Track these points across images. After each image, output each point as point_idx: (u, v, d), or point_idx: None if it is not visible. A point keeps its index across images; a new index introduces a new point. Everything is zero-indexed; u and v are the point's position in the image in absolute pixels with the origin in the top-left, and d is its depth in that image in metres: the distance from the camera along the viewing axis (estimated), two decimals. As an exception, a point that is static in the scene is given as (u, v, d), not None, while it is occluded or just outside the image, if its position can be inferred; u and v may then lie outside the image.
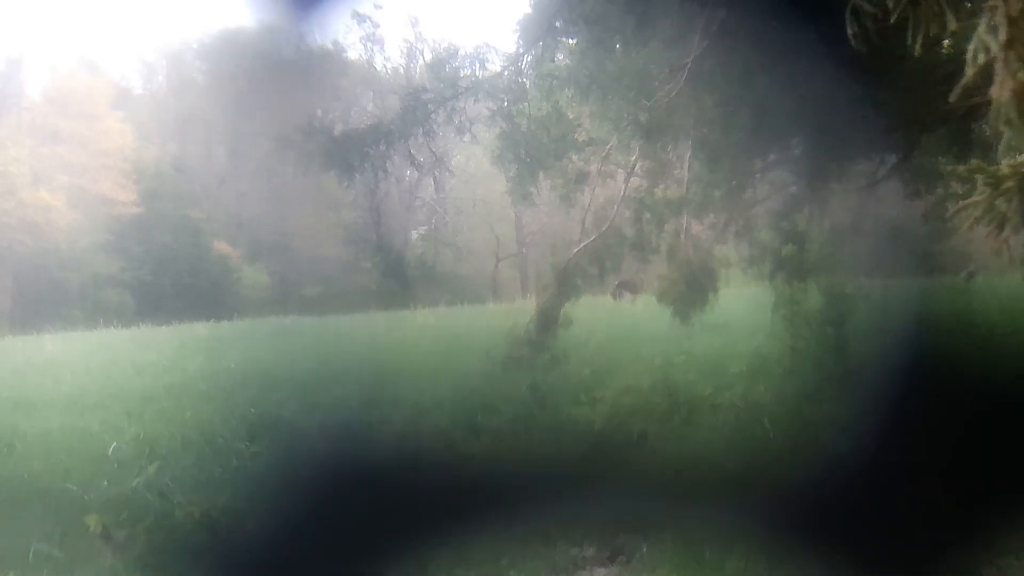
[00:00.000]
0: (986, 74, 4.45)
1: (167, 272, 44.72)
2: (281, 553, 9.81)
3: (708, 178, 13.60)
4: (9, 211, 41.48)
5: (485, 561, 9.65)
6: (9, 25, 58.10)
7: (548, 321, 14.12)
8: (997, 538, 8.63)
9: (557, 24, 13.41)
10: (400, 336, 27.26)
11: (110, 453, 13.34)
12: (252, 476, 11.69)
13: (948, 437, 10.76)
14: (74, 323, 36.40)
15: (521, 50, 14.01)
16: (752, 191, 14.56)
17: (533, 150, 14.27)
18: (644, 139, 13.50)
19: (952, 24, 4.96)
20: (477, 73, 14.56)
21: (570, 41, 13.79)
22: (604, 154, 14.49)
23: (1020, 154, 4.48)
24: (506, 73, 14.22)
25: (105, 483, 11.81)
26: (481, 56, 15.09)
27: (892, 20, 5.13)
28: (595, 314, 22.34)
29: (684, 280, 13.67)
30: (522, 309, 21.44)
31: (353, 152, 13.33)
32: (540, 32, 13.56)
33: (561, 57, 13.84)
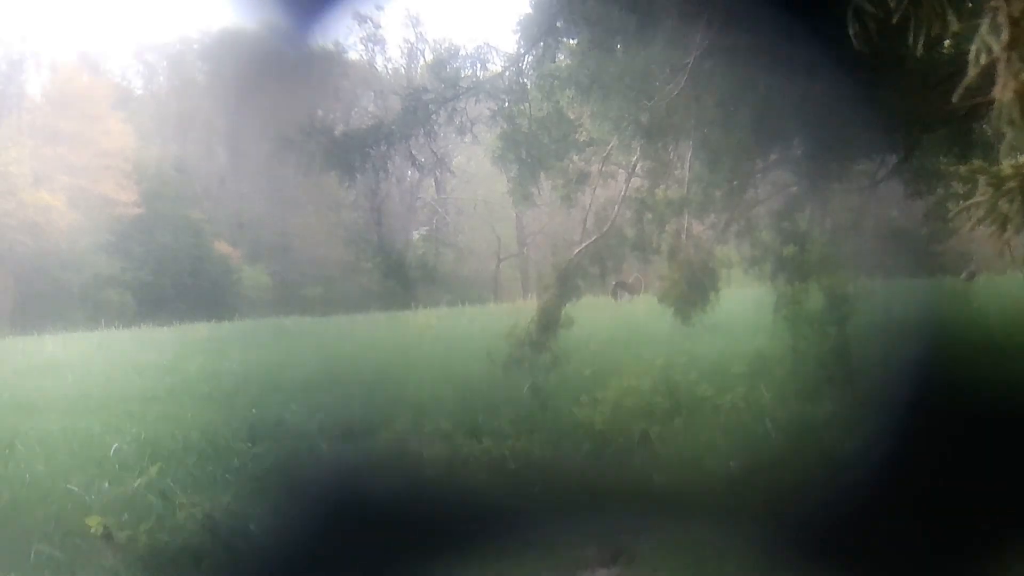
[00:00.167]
0: (987, 74, 4.44)
1: (168, 273, 44.72)
2: (283, 554, 9.81)
3: (709, 178, 13.60)
4: (10, 212, 41.47)
5: (487, 561, 9.65)
6: (10, 26, 58.07)
7: (549, 322, 14.11)
8: (1001, 541, 8.63)
9: (558, 24, 13.41)
10: (401, 337, 27.25)
11: (111, 454, 13.34)
12: (253, 477, 11.69)
13: (950, 437, 10.76)
14: (75, 324, 36.37)
15: (522, 50, 14.01)
16: (753, 191, 14.56)
17: (534, 150, 14.26)
18: (645, 139, 13.50)
19: (954, 24, 4.95)
20: (478, 73, 14.57)
21: (571, 41, 13.79)
22: (605, 154, 14.48)
23: (1022, 154, 4.48)
24: (507, 73, 14.22)
25: (106, 484, 11.81)
26: (482, 56, 15.11)
27: (894, 20, 5.13)
28: (596, 315, 22.34)
29: (685, 280, 13.65)
30: (523, 309, 21.42)
31: (354, 152, 13.33)
32: (541, 32, 13.56)
33: (562, 57, 13.84)
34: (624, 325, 23.14)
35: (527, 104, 14.23)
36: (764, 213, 14.75)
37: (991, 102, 4.41)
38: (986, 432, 11.34)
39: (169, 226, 45.54)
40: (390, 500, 11.39)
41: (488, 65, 14.93)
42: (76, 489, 11.55)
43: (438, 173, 41.83)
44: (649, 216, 14.33)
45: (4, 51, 51.89)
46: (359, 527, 10.61)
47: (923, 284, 20.63)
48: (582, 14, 12.80)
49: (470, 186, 48.81)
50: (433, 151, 15.18)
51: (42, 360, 25.22)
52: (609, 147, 14.24)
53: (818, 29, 8.48)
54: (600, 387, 14.12)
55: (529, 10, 14.17)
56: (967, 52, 4.49)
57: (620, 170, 14.93)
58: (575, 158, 14.83)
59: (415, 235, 50.70)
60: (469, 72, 14.38)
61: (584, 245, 14.32)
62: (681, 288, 13.60)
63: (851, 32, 5.58)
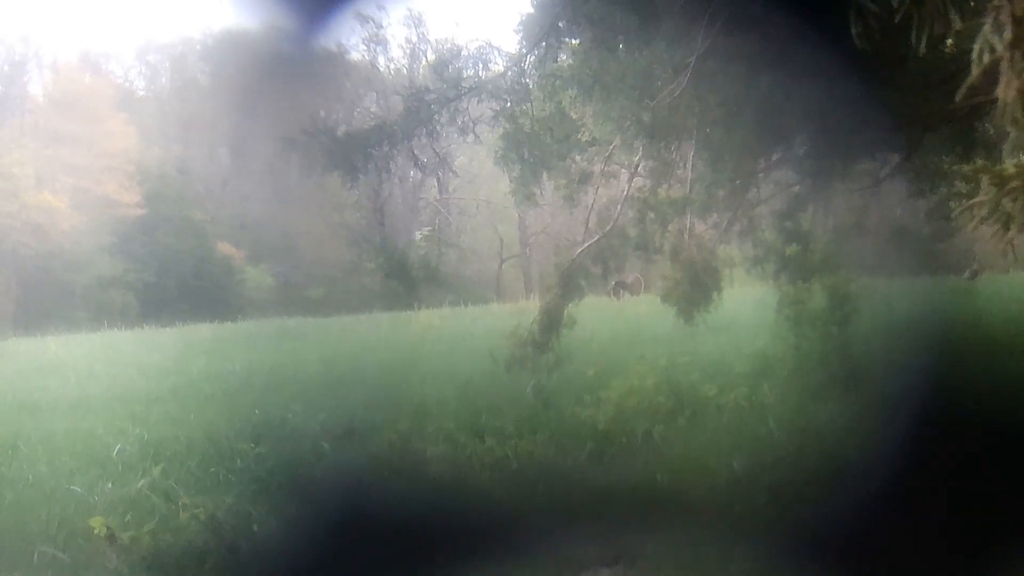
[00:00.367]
0: (990, 73, 4.44)
1: (171, 274, 44.75)
2: (286, 554, 9.81)
3: (712, 178, 13.59)
4: (13, 213, 41.50)
5: (489, 561, 9.64)
6: (12, 27, 58.12)
7: (552, 322, 14.11)
8: (1005, 541, 8.62)
9: (560, 24, 13.40)
10: (404, 337, 27.27)
11: (115, 455, 13.34)
12: (256, 477, 11.68)
13: (953, 437, 10.75)
14: (78, 325, 36.42)
15: (524, 50, 14.00)
16: (756, 191, 14.56)
17: (536, 150, 14.25)
18: (647, 139, 13.49)
19: (956, 24, 4.95)
20: (480, 74, 14.55)
21: (573, 41, 13.78)
22: (607, 154, 14.49)
23: (1025, 154, 4.48)
24: (509, 73, 14.21)
25: (110, 485, 11.80)
26: (484, 56, 15.08)
27: (896, 20, 5.13)
28: (599, 314, 22.34)
29: (688, 280, 13.66)
30: (526, 310, 21.41)
31: (356, 153, 13.32)
32: (543, 32, 13.55)
33: (564, 57, 13.82)
34: (627, 325, 23.14)
35: (529, 104, 14.22)
36: (767, 212, 14.76)
37: (993, 101, 4.41)
38: (989, 431, 11.33)
39: (172, 227, 45.58)
40: (393, 500, 11.39)
41: (490, 65, 14.92)
42: (79, 490, 11.55)
43: (440, 173, 41.87)
44: (652, 216, 14.33)
45: (6, 52, 51.97)
46: (362, 527, 10.61)
47: (926, 283, 20.62)
48: (584, 14, 12.79)
49: (472, 186, 48.83)
50: (435, 151, 15.18)
51: (45, 361, 25.24)
52: (611, 147, 14.24)
53: (820, 28, 8.47)
54: (603, 387, 14.12)
55: (531, 10, 14.18)
56: (970, 51, 4.49)
57: (623, 170, 14.94)
58: (577, 158, 14.83)
59: (417, 235, 50.71)
60: (471, 72, 14.36)
61: (587, 245, 14.32)
62: (684, 288, 13.61)
63: (854, 32, 5.58)
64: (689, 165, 13.51)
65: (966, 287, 23.84)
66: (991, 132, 12.67)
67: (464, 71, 14.16)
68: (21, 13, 69.14)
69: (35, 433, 15.20)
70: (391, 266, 15.06)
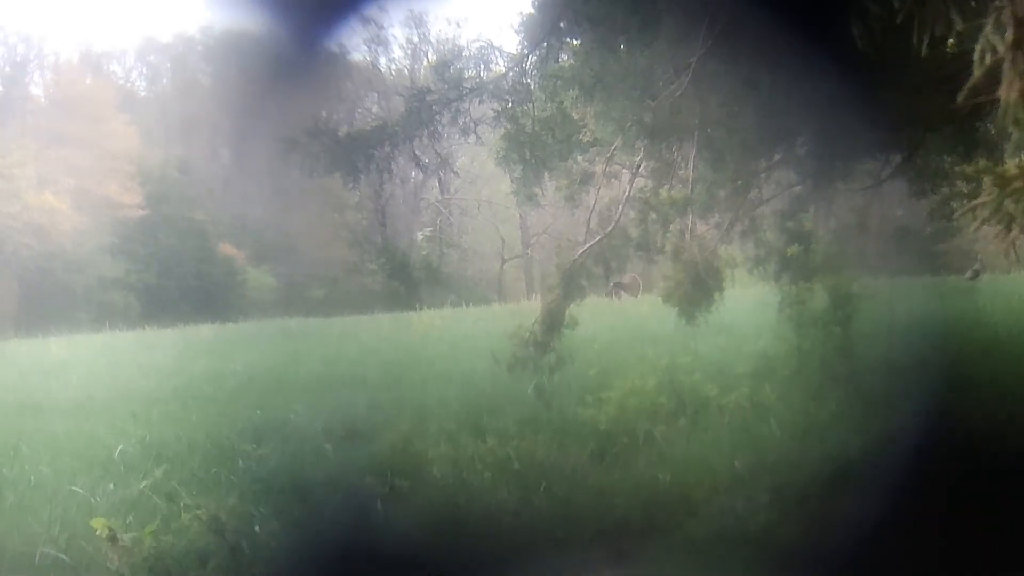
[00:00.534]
0: (991, 73, 4.44)
1: (172, 274, 44.79)
2: (288, 555, 9.82)
3: (713, 178, 13.57)
4: (14, 214, 41.53)
5: (491, 561, 9.65)
6: (14, 28, 58.18)
7: (553, 322, 14.09)
8: (1007, 541, 8.62)
9: (561, 25, 13.39)
10: (405, 338, 27.26)
11: (116, 456, 13.34)
12: (258, 478, 11.69)
13: (955, 436, 10.76)
14: (80, 326, 36.42)
15: (525, 51, 13.99)
16: (757, 191, 14.54)
17: (538, 151, 14.23)
18: (649, 139, 13.47)
19: (958, 24, 4.95)
20: (481, 74, 14.52)
21: (574, 42, 13.77)
22: (609, 154, 14.45)
23: (1028, 154, 4.49)
24: (510, 74, 14.18)
25: (112, 486, 11.81)
26: (485, 57, 15.07)
27: (898, 20, 5.13)
28: (600, 315, 22.33)
29: (689, 280, 13.63)
30: (527, 310, 21.44)
31: (358, 154, 13.31)
32: (544, 33, 13.53)
33: (565, 58, 13.81)
34: (628, 325, 23.14)
35: (531, 105, 14.19)
36: (768, 213, 14.74)
37: (995, 101, 4.41)
38: (991, 431, 11.34)
39: (173, 228, 45.63)
40: (394, 501, 11.39)
41: (492, 66, 14.90)
42: (81, 491, 11.56)
43: (442, 174, 41.91)
44: (653, 216, 14.31)
45: (8, 53, 52.03)
46: (363, 528, 10.62)
47: (928, 283, 20.64)
48: (585, 14, 12.78)
49: (474, 187, 48.88)
50: (437, 152, 15.16)
51: (47, 362, 25.24)
52: (613, 147, 14.21)
53: (821, 28, 8.47)
54: (605, 387, 14.14)
55: (532, 10, 14.17)
56: (971, 51, 4.49)
57: (624, 170, 14.91)
58: (579, 158, 14.80)
59: (419, 236, 50.76)
60: (473, 73, 14.33)
61: (588, 245, 14.30)
62: (685, 288, 13.58)
63: (855, 32, 5.58)
64: (691, 165, 13.48)
65: (968, 287, 23.86)
66: (992, 132, 12.68)
67: (465, 72, 14.14)
68: (23, 14, 69.29)
69: (37, 434, 15.20)
70: (393, 266, 15.05)
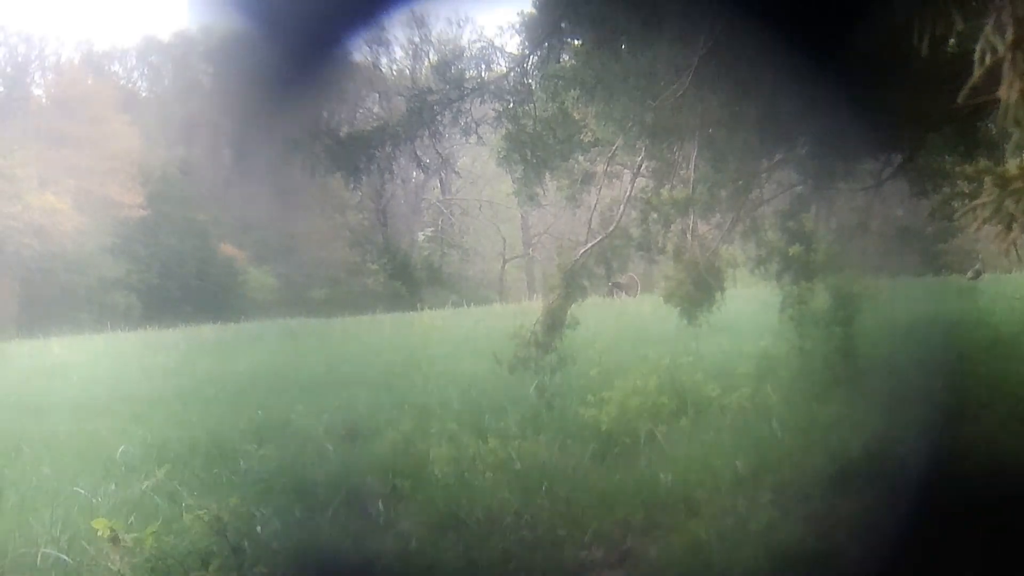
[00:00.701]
0: (992, 72, 4.44)
1: (174, 275, 44.78)
2: (290, 555, 9.82)
3: (714, 178, 13.56)
4: (16, 215, 41.54)
5: (493, 562, 9.65)
6: (15, 29, 58.18)
7: (555, 322, 14.08)
8: (1010, 540, 8.62)
9: (563, 25, 13.39)
10: (407, 338, 27.27)
11: (118, 456, 13.36)
12: (260, 479, 11.69)
13: (957, 437, 10.75)
14: (81, 326, 36.44)
15: (526, 51, 13.98)
16: (759, 191, 14.53)
17: (539, 151, 14.22)
18: (650, 139, 13.46)
19: (958, 24, 4.95)
20: (483, 74, 14.51)
21: (575, 42, 13.76)
22: (610, 155, 14.44)
23: (1029, 154, 4.49)
24: (512, 74, 14.17)
25: (113, 487, 11.83)
26: (487, 57, 15.05)
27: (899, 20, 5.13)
28: (602, 315, 22.33)
29: (691, 280, 13.63)
30: (529, 310, 21.41)
31: (359, 154, 13.31)
32: (545, 33, 13.53)
33: (566, 58, 13.80)
34: (630, 325, 23.13)
35: (532, 105, 14.18)
36: (769, 213, 14.74)
37: (995, 100, 4.41)
38: (993, 431, 11.33)
39: (175, 228, 45.62)
40: (396, 501, 11.40)
41: (493, 66, 14.88)
42: (83, 491, 11.57)
43: (443, 174, 41.92)
44: (654, 216, 14.30)
45: (9, 54, 52.03)
46: (365, 528, 10.62)
47: (929, 283, 20.62)
48: (587, 15, 12.77)
49: (475, 187, 48.85)
50: (438, 152, 15.17)
51: (48, 363, 25.27)
52: (614, 147, 14.20)
53: (823, 28, 8.48)
54: (606, 387, 14.14)
55: (533, 11, 14.16)
56: (972, 50, 4.49)
57: (625, 170, 14.90)
58: (580, 158, 14.80)
59: (420, 236, 50.74)
60: (474, 73, 14.32)
61: (589, 245, 14.29)
62: (687, 288, 13.58)
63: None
64: (692, 165, 13.47)
65: (969, 287, 23.84)
66: (993, 132, 12.67)
67: (467, 72, 14.13)
68: (24, 14, 69.30)
69: (38, 435, 15.22)
70: (394, 267, 15.06)
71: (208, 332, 32.52)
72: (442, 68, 13.95)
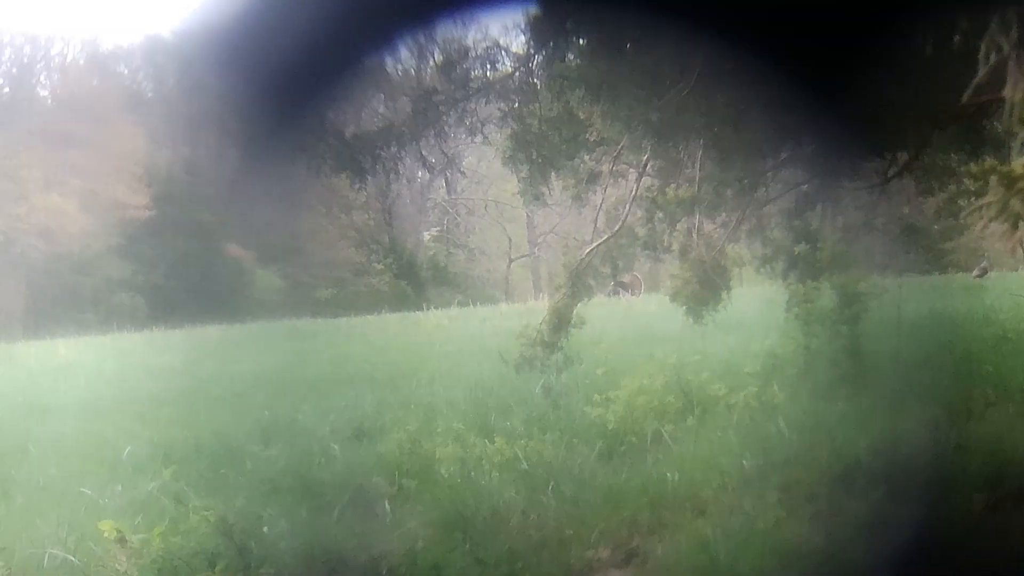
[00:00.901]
0: (997, 71, 4.44)
1: (180, 275, 44.73)
2: (297, 556, 9.82)
3: (720, 177, 13.55)
4: (21, 216, 41.57)
5: (499, 562, 9.65)
6: (20, 29, 58.21)
7: (561, 321, 14.08)
8: (1015, 543, 8.62)
9: (567, 25, 13.37)
10: (413, 338, 27.29)
11: (125, 457, 13.38)
12: (267, 479, 11.70)
13: (963, 435, 10.75)
14: (87, 327, 36.42)
15: (532, 51, 13.97)
16: (764, 190, 14.52)
17: (545, 150, 14.20)
18: (655, 138, 13.44)
19: (963, 23, 4.95)
20: (488, 74, 14.49)
21: (580, 41, 13.74)
22: (616, 154, 14.42)
23: (1034, 153, 4.48)
24: (517, 74, 14.17)
25: (120, 488, 11.84)
26: (492, 57, 15.03)
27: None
28: (608, 314, 22.33)
29: (697, 279, 13.62)
30: (535, 309, 21.44)
31: (364, 154, 13.30)
32: (550, 33, 13.52)
33: (572, 57, 13.78)
34: (635, 324, 23.12)
35: (537, 104, 14.17)
36: (775, 211, 14.73)
37: (1001, 99, 4.41)
38: (1000, 429, 11.32)
39: (180, 229, 45.57)
40: (402, 500, 11.40)
41: (498, 66, 14.86)
42: (89, 492, 11.58)
43: (449, 174, 41.84)
44: (660, 215, 14.30)
45: (14, 54, 52.02)
46: (371, 528, 10.62)
47: (935, 281, 20.62)
48: (591, 14, 12.76)
49: (481, 186, 48.79)
50: (444, 152, 15.17)
51: (55, 363, 25.27)
52: (620, 146, 14.19)
53: (827, 27, 8.47)
54: (612, 386, 14.12)
55: (538, 10, 14.15)
56: (977, 48, 4.49)
57: (631, 169, 14.89)
58: (586, 158, 14.78)
59: (426, 236, 50.70)
60: (479, 73, 14.31)
61: (595, 245, 14.29)
62: (693, 287, 13.58)
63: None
64: (697, 164, 13.46)
65: (975, 285, 23.83)
66: (999, 130, 12.66)
67: (472, 72, 14.11)
68: (29, 15, 69.27)
69: (45, 436, 15.22)
70: (400, 266, 15.11)
71: (214, 332, 32.50)
72: (447, 68, 13.94)
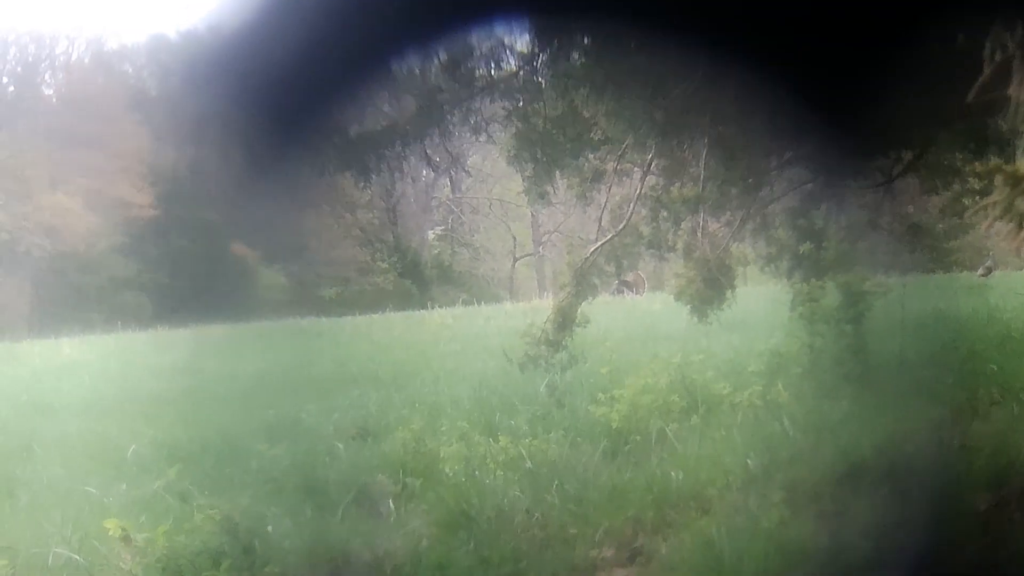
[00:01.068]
0: (1002, 69, 4.44)
1: (184, 274, 44.74)
2: (301, 554, 9.83)
3: (724, 176, 13.53)
4: (27, 215, 41.61)
5: (503, 561, 9.66)
6: (25, 28, 58.23)
7: (565, 320, 14.07)
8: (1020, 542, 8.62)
9: (572, 23, 13.35)
10: (417, 336, 27.27)
11: (129, 456, 13.38)
12: (271, 478, 11.70)
13: (968, 434, 10.74)
14: (92, 326, 36.43)
15: (536, 49, 13.95)
16: (769, 188, 14.50)
17: (549, 149, 14.19)
18: (660, 137, 13.43)
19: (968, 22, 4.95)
20: (492, 73, 14.48)
21: (585, 40, 13.72)
22: (620, 153, 14.41)
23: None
24: (521, 73, 14.15)
25: (124, 486, 11.85)
26: (496, 56, 15.01)
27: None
28: (612, 313, 22.33)
29: (701, 278, 13.61)
30: (539, 308, 21.45)
31: (369, 153, 13.29)
32: (555, 31, 13.50)
33: (576, 56, 13.77)
34: (640, 323, 23.13)
35: (542, 103, 14.16)
36: (780, 210, 14.71)
37: (1006, 97, 4.41)
38: (1004, 428, 11.31)
39: (185, 228, 45.57)
40: (406, 499, 11.41)
41: (502, 64, 14.84)
42: (94, 491, 11.60)
43: (453, 173, 41.84)
44: (665, 214, 14.29)
45: (19, 53, 52.03)
46: (376, 527, 10.63)
47: (939, 280, 20.59)
48: (596, 13, 12.75)
49: (485, 185, 48.82)
50: (448, 151, 15.16)
51: (59, 362, 25.30)
52: (624, 145, 14.17)
53: (832, 25, 8.47)
54: (617, 385, 14.13)
55: (543, 8, 14.13)
56: (982, 47, 4.49)
57: (635, 168, 14.87)
58: (590, 156, 14.76)
59: (430, 235, 50.71)
60: (483, 72, 14.28)
61: (600, 243, 14.28)
62: (697, 285, 13.57)
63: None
64: (702, 163, 13.44)
65: (980, 284, 23.81)
66: (1004, 129, 12.64)
67: (476, 70, 14.09)
68: (34, 13, 69.31)
69: (50, 435, 15.24)
70: (404, 265, 15.12)
71: (219, 331, 32.49)
72: (452, 67, 13.93)
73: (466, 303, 35.50)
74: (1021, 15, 4.26)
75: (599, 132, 14.27)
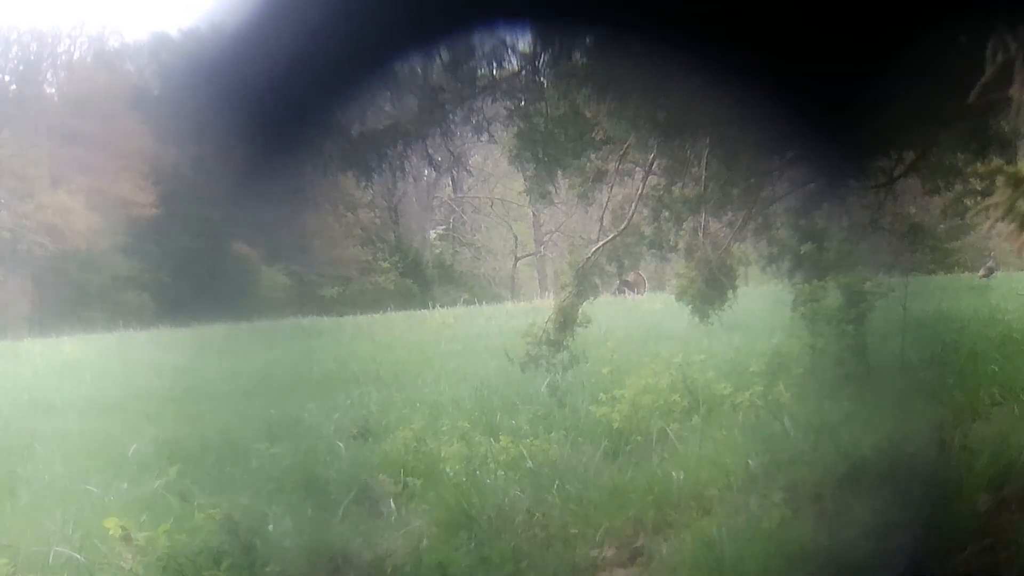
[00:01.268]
0: (1004, 70, 4.44)
1: (186, 273, 44.73)
2: (301, 554, 9.83)
3: (726, 176, 13.52)
4: (28, 214, 41.65)
5: (504, 561, 9.66)
6: (27, 26, 58.24)
7: (567, 320, 14.06)
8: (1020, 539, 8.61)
9: (574, 23, 13.35)
10: (418, 336, 27.28)
11: (130, 455, 13.38)
12: (272, 477, 11.71)
13: (969, 435, 10.73)
14: (94, 325, 36.46)
15: (538, 49, 13.94)
16: (770, 189, 14.49)
17: (551, 149, 14.18)
18: (662, 137, 13.41)
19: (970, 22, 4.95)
20: (494, 72, 14.47)
21: (587, 40, 13.71)
22: (622, 152, 14.40)
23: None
24: (523, 72, 14.15)
25: (125, 485, 11.86)
26: (498, 55, 15.00)
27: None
28: (613, 313, 22.33)
29: (703, 278, 13.62)
30: (540, 308, 21.47)
31: (371, 152, 13.28)
32: (557, 31, 13.49)
33: (578, 56, 13.76)
34: (641, 323, 23.13)
35: (543, 103, 14.15)
36: (781, 211, 14.70)
37: (1008, 97, 4.41)
38: (1005, 428, 11.31)
39: (187, 227, 45.56)
40: (407, 499, 11.41)
41: (504, 64, 14.83)
42: (95, 490, 11.61)
43: (455, 172, 41.87)
44: (666, 214, 14.29)
45: (21, 52, 52.06)
46: (377, 526, 10.63)
47: (941, 281, 20.60)
48: (598, 12, 12.73)
49: (487, 185, 48.84)
50: (450, 150, 15.14)
51: (61, 361, 25.30)
52: (626, 145, 14.17)
53: (834, 25, 8.46)
54: (618, 385, 14.14)
55: (545, 8, 14.11)
56: (984, 47, 4.49)
57: (637, 168, 14.87)
58: (592, 156, 14.75)
59: (432, 234, 50.73)
60: (485, 71, 14.27)
61: (601, 243, 14.28)
62: (698, 286, 13.57)
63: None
64: (704, 163, 13.44)
65: (981, 285, 23.81)
66: (1006, 129, 12.63)
67: (478, 70, 14.08)
68: (36, 12, 69.39)
69: (51, 433, 15.25)
70: (406, 265, 15.12)
71: (220, 330, 32.49)
72: (453, 66, 13.93)
73: (467, 302, 35.56)
74: (1022, 16, 4.25)
75: (601, 132, 14.26)
